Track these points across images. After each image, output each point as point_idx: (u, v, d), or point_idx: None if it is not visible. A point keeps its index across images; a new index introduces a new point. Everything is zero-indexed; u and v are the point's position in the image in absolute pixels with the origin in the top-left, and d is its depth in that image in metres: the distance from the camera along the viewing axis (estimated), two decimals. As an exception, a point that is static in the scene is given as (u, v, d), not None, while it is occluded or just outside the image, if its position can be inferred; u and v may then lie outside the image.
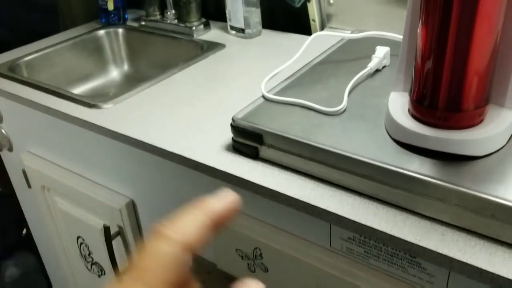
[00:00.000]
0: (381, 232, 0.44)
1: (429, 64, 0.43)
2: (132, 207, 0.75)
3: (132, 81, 0.99)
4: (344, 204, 0.47)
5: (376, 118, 0.51)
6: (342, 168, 0.48)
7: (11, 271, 1.84)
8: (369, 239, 0.48)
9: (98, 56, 1.01)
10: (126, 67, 1.04)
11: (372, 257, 0.49)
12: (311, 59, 0.68)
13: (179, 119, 0.65)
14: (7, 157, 0.98)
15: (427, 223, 0.44)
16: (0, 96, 0.83)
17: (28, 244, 1.84)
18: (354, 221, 0.45)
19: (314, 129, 0.52)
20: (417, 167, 0.44)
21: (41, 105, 0.74)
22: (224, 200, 0.29)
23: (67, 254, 0.97)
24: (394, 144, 0.47)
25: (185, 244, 0.26)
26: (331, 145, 0.49)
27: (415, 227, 0.44)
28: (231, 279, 0.65)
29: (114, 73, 1.03)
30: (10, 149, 0.94)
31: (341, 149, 0.48)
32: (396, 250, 0.46)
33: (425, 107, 0.45)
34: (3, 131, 0.92)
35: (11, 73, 0.86)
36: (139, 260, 0.25)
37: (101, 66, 1.02)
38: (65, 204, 0.87)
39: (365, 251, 0.49)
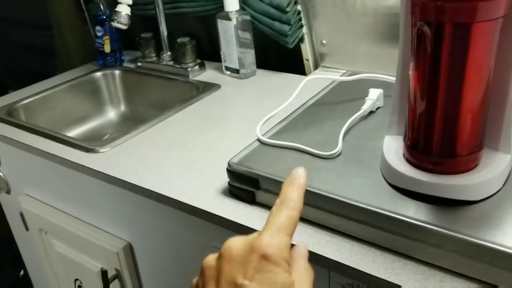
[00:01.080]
0: (380, 279, 0.43)
1: (421, 110, 0.44)
2: (129, 250, 0.75)
3: (129, 122, 1.00)
4: (342, 250, 0.47)
5: (372, 161, 0.52)
6: (339, 214, 0.48)
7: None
8: (368, 286, 0.47)
9: (95, 98, 1.02)
10: (123, 107, 1.05)
11: (372, 303, 0.48)
12: (305, 101, 0.69)
13: (175, 163, 0.66)
14: (5, 199, 0.98)
15: (425, 269, 0.44)
16: (-3, 140, 0.84)
17: (26, 285, 1.82)
18: (352, 268, 0.45)
19: (310, 174, 0.51)
20: (413, 213, 0.44)
21: (39, 149, 0.75)
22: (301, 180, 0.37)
23: (64, 297, 0.96)
24: (390, 188, 0.48)
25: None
26: (327, 191, 0.49)
27: (414, 273, 0.43)
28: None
29: (111, 114, 1.04)
30: (8, 191, 0.94)
31: (338, 194, 0.48)
32: (395, 297, 0.46)
33: (419, 152, 0.45)
34: (1, 174, 0.92)
35: (9, 117, 0.86)
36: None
37: (98, 107, 1.03)
38: (63, 247, 0.86)
39: (364, 297, 0.48)
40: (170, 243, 0.68)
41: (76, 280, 0.89)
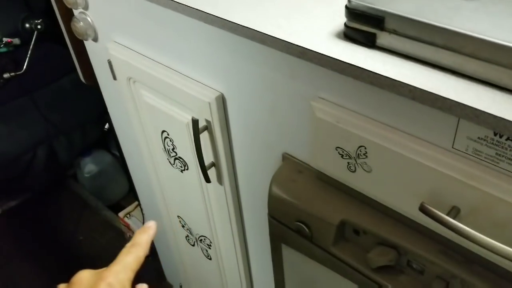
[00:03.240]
0: (531, 129, 0.38)
1: None
2: (221, 101, 0.73)
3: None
4: (482, 98, 0.41)
5: (530, -1, 0.43)
6: (483, 57, 0.42)
7: (90, 167, 1.95)
8: (506, 139, 0.42)
9: None
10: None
11: (504, 160, 0.43)
12: None
13: (281, 3, 0.60)
14: (91, 47, 0.98)
15: None
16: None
17: (105, 144, 1.93)
18: (495, 116, 0.39)
19: (449, 13, 0.45)
20: None
21: (132, -12, 0.70)
22: (151, 231, 0.47)
23: (150, 149, 0.99)
24: (555, 29, 0.40)
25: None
26: (471, 30, 0.42)
27: None
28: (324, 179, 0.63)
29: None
30: (95, 39, 0.93)
31: (484, 33, 0.41)
32: (540, 152, 0.40)
33: None
34: (88, 19, 0.90)
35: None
36: None
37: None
38: (151, 97, 0.86)
39: (496, 153, 0.44)
40: (268, 94, 0.64)
41: (163, 131, 0.90)
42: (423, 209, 0.49)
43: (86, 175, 1.94)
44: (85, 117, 1.82)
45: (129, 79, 0.88)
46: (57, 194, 2.01)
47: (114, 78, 0.93)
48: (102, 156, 1.95)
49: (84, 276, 0.42)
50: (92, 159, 1.93)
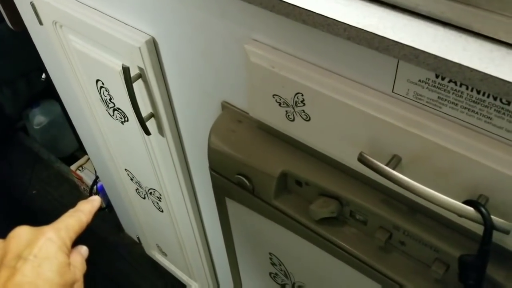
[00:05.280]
0: (473, 70, 0.34)
1: None
2: (153, 45, 0.66)
3: None
4: (423, 36, 0.37)
5: None
6: (424, -12, 0.37)
7: (39, 119, 1.85)
8: (448, 81, 0.38)
9: None
10: None
11: (447, 104, 0.39)
12: None
13: None
14: (13, -12, 0.87)
15: (534, 61, 0.33)
16: None
17: (54, 93, 1.82)
18: (436, 56, 0.35)
19: None
20: (535, -16, 0.32)
21: None
22: (95, 203, 0.46)
23: (88, 100, 0.91)
24: (503, -47, 0.35)
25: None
26: (412, -43, 0.36)
27: (518, 66, 0.33)
28: (264, 128, 0.58)
29: None
30: (15, -22, 0.83)
31: (426, -39, 0.36)
32: (483, 95, 0.37)
33: None
34: (3, -46, 0.79)
35: None
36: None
37: None
38: (81, 43, 0.78)
39: (439, 97, 0.40)
40: (200, 37, 0.58)
41: (97, 80, 0.82)
42: (361, 159, 0.45)
43: (36, 127, 1.84)
44: (27, 66, 1.69)
45: (55, 23, 0.79)
46: (7, 148, 1.91)
47: (40, 23, 0.83)
48: (51, 106, 1.84)
49: (22, 231, 0.40)
50: (41, 110, 1.83)
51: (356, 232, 0.56)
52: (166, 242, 1.17)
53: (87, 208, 0.45)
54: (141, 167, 0.96)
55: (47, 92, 1.82)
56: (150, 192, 1.02)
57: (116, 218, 1.50)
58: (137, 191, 1.07)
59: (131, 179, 1.05)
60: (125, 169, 1.04)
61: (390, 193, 0.50)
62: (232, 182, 0.63)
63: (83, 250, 0.45)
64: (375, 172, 0.44)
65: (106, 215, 1.56)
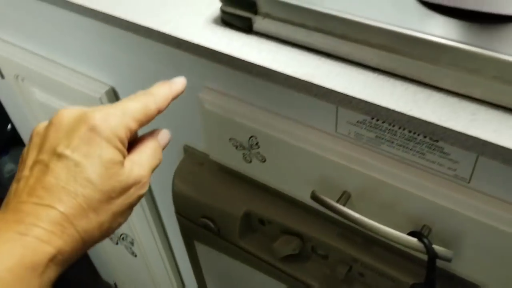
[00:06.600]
0: (399, 113, 0.36)
1: None
2: (113, 94, 0.68)
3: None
4: (354, 83, 0.39)
5: (396, -26, 0.42)
6: (353, 38, 0.40)
7: (9, 166, 1.83)
8: (382, 122, 0.41)
9: None
10: None
11: (384, 142, 0.42)
12: None
13: (157, -11, 0.55)
14: (-26, 45, 0.88)
15: (454, 101, 0.37)
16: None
17: (15, 138, 1.80)
18: (366, 102, 0.38)
19: (320, -7, 0.42)
20: (446, 32, 0.35)
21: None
22: (174, 86, 0.35)
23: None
24: (419, 5, 0.38)
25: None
26: (341, 10, 0.40)
27: (440, 106, 0.36)
28: (227, 170, 0.60)
29: None
30: (-24, 35, 0.84)
31: (353, 13, 0.39)
32: (414, 133, 0.39)
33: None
34: (-37, 14, 0.81)
35: None
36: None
37: None
38: (43, 95, 0.80)
39: (376, 136, 0.42)
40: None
41: (63, 130, 0.83)
42: (313, 197, 0.47)
43: (7, 175, 1.82)
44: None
45: (17, 76, 0.81)
46: (-23, 200, 1.87)
47: (2, 76, 0.85)
48: (20, 153, 1.83)
49: (66, 115, 0.32)
50: (10, 157, 1.81)
51: (319, 266, 0.57)
52: (143, 287, 1.16)
53: (162, 92, 0.35)
54: (111, 213, 0.96)
55: (16, 139, 1.81)
56: (123, 237, 1.02)
57: (91, 264, 1.48)
58: (110, 237, 1.07)
59: (103, 225, 1.05)
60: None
61: (346, 226, 0.52)
62: (198, 225, 0.64)
63: (162, 134, 0.36)
64: (326, 209, 0.46)
65: (81, 260, 1.54)
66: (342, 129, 0.45)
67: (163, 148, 0.37)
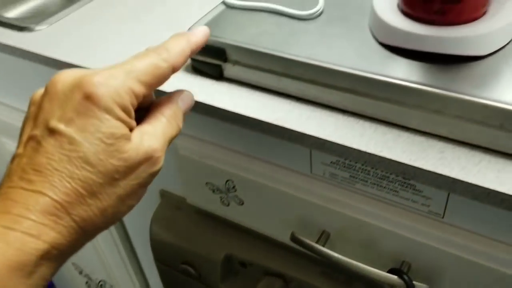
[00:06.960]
0: (370, 155, 0.37)
1: None
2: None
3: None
4: (325, 125, 0.40)
5: (359, 19, 0.43)
6: (321, 83, 0.41)
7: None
8: (355, 162, 0.42)
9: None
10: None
11: (359, 181, 0.43)
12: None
13: (127, 40, 0.56)
14: None
15: (422, 140, 0.38)
16: None
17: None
18: (338, 144, 0.39)
19: (287, 39, 0.43)
20: (409, 75, 0.37)
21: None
22: (193, 38, 0.30)
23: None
24: (381, 48, 0.40)
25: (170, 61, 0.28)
26: (307, 56, 0.41)
27: (409, 145, 0.37)
28: (204, 214, 0.60)
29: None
30: None
31: (319, 59, 0.40)
32: (386, 172, 0.40)
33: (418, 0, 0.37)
34: None
35: None
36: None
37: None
38: (13, 145, 0.78)
39: (350, 176, 0.43)
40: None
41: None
42: (293, 239, 0.47)
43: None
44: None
45: (-13, 129, 0.79)
46: None
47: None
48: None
49: (61, 81, 0.26)
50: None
51: (303, 306, 0.57)
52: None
53: (178, 46, 0.29)
54: (88, 260, 0.94)
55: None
56: (101, 285, 0.99)
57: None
58: (87, 284, 1.04)
59: (80, 273, 1.02)
60: (72, 263, 1.01)
61: (328, 265, 0.52)
62: (178, 271, 0.63)
63: (184, 96, 0.29)
64: (306, 250, 0.46)
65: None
66: (317, 170, 0.45)
67: (186, 113, 0.30)
